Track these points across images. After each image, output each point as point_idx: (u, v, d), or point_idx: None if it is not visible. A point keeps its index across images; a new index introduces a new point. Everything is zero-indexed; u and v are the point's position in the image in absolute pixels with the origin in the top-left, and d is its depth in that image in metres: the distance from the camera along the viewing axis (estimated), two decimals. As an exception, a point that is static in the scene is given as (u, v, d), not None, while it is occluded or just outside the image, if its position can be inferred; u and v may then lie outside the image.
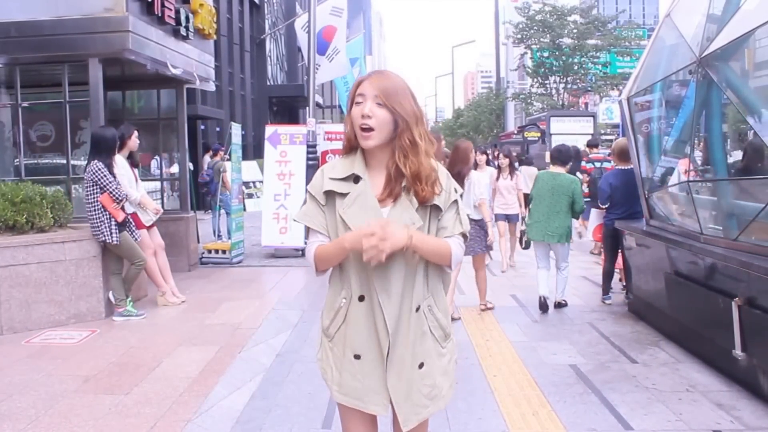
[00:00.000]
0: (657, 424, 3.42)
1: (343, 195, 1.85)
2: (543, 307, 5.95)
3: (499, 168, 8.78)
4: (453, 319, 5.64)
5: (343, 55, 11.59)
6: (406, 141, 1.83)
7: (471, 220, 5.65)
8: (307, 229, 1.94)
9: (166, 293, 6.11)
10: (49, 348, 4.79)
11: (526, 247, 6.53)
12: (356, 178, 1.85)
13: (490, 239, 5.79)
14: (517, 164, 9.15)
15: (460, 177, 5.56)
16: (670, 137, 5.59)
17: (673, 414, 3.54)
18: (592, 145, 10.78)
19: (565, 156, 6.22)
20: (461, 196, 1.99)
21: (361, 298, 1.85)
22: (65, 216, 5.70)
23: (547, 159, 11.18)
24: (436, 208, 1.87)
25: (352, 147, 1.91)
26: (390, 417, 1.93)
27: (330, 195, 1.87)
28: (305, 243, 9.68)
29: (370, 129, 1.80)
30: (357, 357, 1.86)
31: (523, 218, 7.89)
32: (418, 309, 1.87)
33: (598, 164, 9.51)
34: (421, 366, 1.87)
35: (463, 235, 1.92)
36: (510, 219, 8.61)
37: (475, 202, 5.67)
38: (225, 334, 5.05)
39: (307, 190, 1.96)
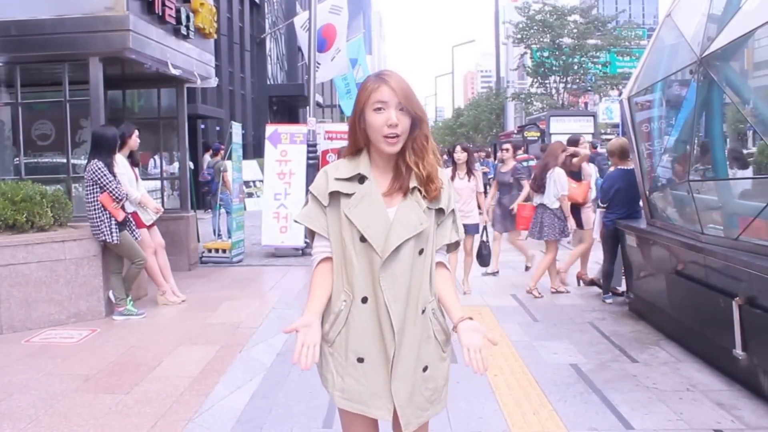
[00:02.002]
0: (658, 423, 3.42)
1: (349, 195, 1.82)
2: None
3: (454, 165, 6.73)
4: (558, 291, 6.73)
5: (344, 54, 11.60)
6: (421, 141, 1.84)
7: (548, 208, 6.59)
8: (307, 228, 1.91)
9: (167, 292, 6.10)
10: (49, 347, 4.79)
11: (485, 264, 7.06)
12: (361, 179, 1.83)
13: (570, 227, 6.68)
14: (478, 163, 8.39)
15: (546, 170, 6.59)
16: (670, 137, 5.59)
17: (674, 413, 3.55)
18: (516, 147, 10.98)
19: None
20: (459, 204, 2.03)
21: (365, 300, 1.81)
22: (65, 215, 5.70)
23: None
24: (440, 212, 1.87)
25: (358, 149, 1.88)
26: (390, 420, 1.92)
27: (334, 196, 1.84)
28: (305, 242, 9.66)
29: (397, 136, 1.79)
30: (360, 360, 1.82)
31: (484, 228, 7.01)
32: (423, 311, 1.85)
33: (525, 164, 9.86)
34: (425, 369, 1.86)
35: (457, 243, 1.93)
36: (466, 230, 6.23)
37: (557, 196, 6.50)
38: (225, 334, 5.05)
39: (308, 191, 1.93)
